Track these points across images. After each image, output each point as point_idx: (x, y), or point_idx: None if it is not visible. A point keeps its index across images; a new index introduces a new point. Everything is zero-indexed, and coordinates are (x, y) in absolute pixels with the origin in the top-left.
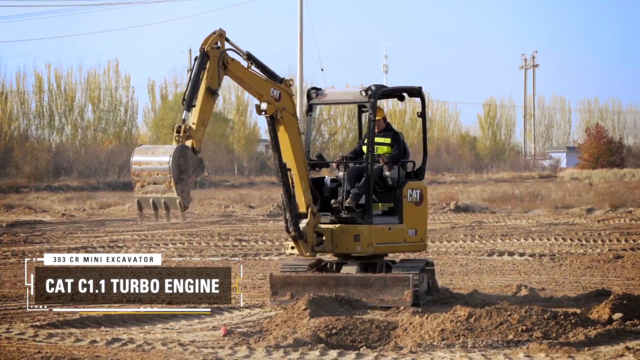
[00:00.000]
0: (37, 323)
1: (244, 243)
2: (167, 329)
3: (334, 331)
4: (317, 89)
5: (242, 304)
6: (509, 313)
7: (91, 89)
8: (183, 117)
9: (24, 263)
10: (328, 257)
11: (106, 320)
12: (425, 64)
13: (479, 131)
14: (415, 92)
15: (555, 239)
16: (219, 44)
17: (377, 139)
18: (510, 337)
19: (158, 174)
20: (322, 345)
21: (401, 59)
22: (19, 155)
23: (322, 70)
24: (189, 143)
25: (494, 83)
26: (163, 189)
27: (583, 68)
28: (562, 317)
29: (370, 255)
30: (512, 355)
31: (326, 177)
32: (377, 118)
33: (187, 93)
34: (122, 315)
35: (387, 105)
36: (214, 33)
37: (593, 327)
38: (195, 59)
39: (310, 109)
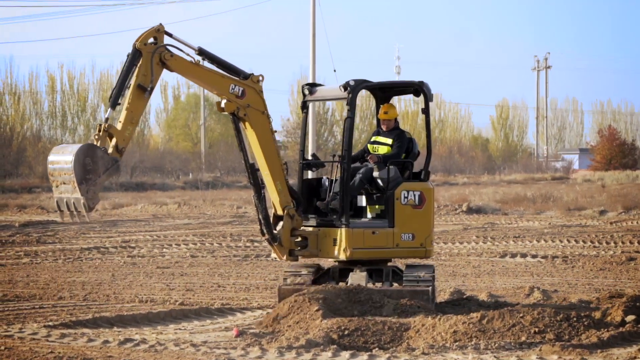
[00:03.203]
0: (50, 323)
1: (256, 244)
2: (180, 329)
3: (346, 332)
4: (311, 85)
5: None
6: (521, 315)
7: (104, 89)
8: (106, 116)
9: (36, 263)
10: (330, 262)
11: (119, 321)
12: (437, 65)
13: (492, 133)
14: (416, 87)
15: (568, 240)
16: (155, 40)
17: (379, 139)
18: (523, 339)
19: (65, 174)
20: (335, 346)
21: (413, 60)
22: (32, 155)
23: (334, 71)
24: (113, 142)
25: (506, 85)
26: (71, 189)
27: (596, 70)
28: (575, 319)
29: (349, 260)
30: (524, 357)
31: (324, 177)
32: (389, 118)
33: (113, 91)
34: (134, 315)
35: (400, 106)
36: (152, 28)
37: (606, 330)
38: (127, 56)
39: (304, 105)
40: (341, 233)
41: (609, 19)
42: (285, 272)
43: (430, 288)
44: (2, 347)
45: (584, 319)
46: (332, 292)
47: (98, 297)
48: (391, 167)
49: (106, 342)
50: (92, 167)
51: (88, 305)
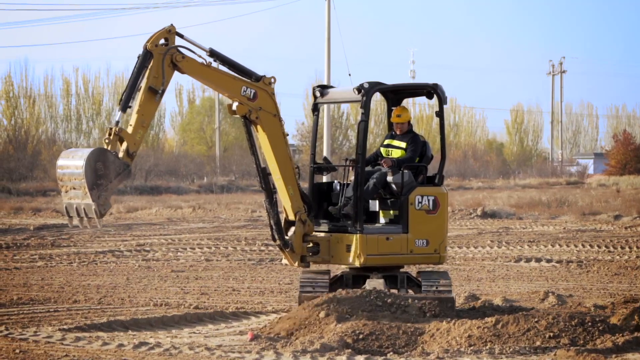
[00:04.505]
0: (65, 326)
1: (270, 248)
2: (194, 333)
3: (360, 336)
4: (323, 87)
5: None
6: (536, 319)
7: (119, 92)
8: (116, 119)
9: (51, 266)
10: (341, 269)
11: (133, 324)
12: (452, 70)
13: (506, 137)
14: (430, 90)
15: (583, 245)
16: (166, 41)
17: (393, 142)
18: (538, 343)
19: (75, 179)
20: (349, 350)
21: (428, 65)
22: (47, 158)
23: (349, 75)
24: (124, 146)
25: (521, 89)
26: (81, 194)
27: (611, 74)
28: (590, 324)
29: (362, 267)
30: None
31: (335, 181)
32: (402, 121)
33: (123, 94)
34: (149, 319)
35: (414, 110)
36: (163, 29)
37: (621, 334)
38: (138, 58)
39: (315, 108)
40: (355, 239)
41: (623, 23)
42: (302, 279)
43: (454, 295)
44: (17, 350)
45: (598, 324)
46: (354, 297)
47: (113, 301)
48: (405, 171)
49: (121, 345)
50: (103, 172)
51: (103, 309)
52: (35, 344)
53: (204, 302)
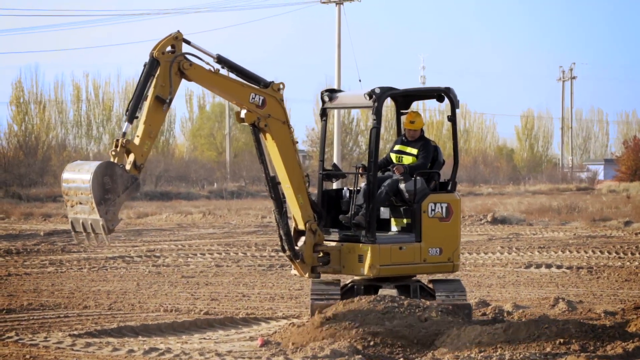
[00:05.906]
0: (75, 332)
1: (280, 254)
2: (205, 339)
3: (371, 342)
4: (331, 91)
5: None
6: (546, 325)
7: (129, 98)
8: (123, 130)
9: (61, 272)
10: (355, 278)
11: (143, 330)
12: (462, 76)
13: (516, 143)
14: (443, 94)
15: (593, 251)
16: (173, 48)
17: (404, 148)
18: (548, 349)
19: (82, 194)
20: (359, 356)
21: (438, 71)
22: (57, 164)
23: (359, 81)
24: (131, 158)
25: (531, 95)
26: (88, 209)
27: (621, 80)
28: (600, 330)
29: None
30: None
31: (345, 188)
32: (415, 128)
33: (130, 103)
34: (159, 324)
35: (425, 115)
36: (169, 36)
37: (631, 341)
38: (144, 66)
39: (324, 113)
40: (368, 250)
41: (634, 29)
42: (313, 290)
43: (471, 302)
44: (28, 356)
45: (609, 330)
46: (367, 304)
47: (123, 306)
48: (418, 178)
49: (131, 351)
50: (111, 186)
51: (113, 315)
52: (46, 350)
53: (214, 308)
